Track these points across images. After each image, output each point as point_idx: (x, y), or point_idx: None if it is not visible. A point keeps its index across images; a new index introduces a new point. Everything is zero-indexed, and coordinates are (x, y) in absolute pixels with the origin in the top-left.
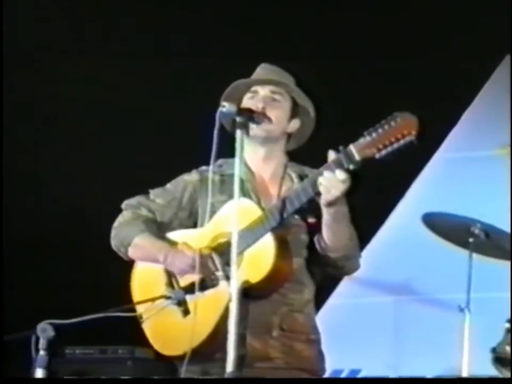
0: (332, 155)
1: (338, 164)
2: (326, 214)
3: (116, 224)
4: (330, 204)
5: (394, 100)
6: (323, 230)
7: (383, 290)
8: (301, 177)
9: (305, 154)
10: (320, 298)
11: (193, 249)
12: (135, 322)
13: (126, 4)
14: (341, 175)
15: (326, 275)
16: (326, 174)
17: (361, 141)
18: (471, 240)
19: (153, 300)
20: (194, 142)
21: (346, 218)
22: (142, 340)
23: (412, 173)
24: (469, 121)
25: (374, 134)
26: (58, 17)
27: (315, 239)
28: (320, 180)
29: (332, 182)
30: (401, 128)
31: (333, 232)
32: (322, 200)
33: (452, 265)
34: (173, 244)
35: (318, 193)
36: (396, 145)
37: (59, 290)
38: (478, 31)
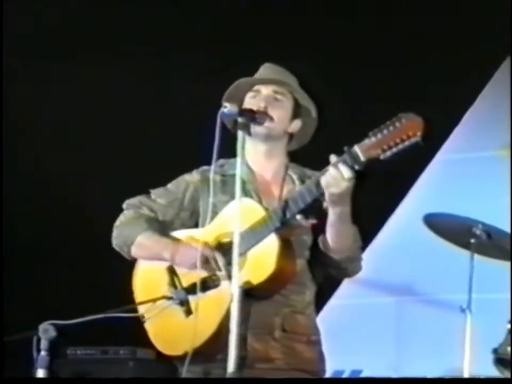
0: (333, 159)
1: (344, 164)
2: (331, 214)
3: (117, 223)
4: (334, 202)
5: (396, 101)
6: (327, 231)
7: (385, 291)
8: (302, 179)
9: (308, 155)
10: (321, 299)
11: (200, 243)
12: (137, 323)
13: (126, 4)
14: (346, 171)
15: (328, 277)
16: (331, 170)
17: (366, 141)
18: (472, 241)
19: (154, 300)
20: (195, 142)
21: (351, 219)
22: (144, 341)
23: (413, 174)
24: (470, 123)
25: (379, 135)
26: (58, 17)
27: (319, 239)
28: (325, 176)
29: (336, 178)
30: (406, 129)
31: (337, 233)
32: (327, 197)
33: (453, 266)
34: (177, 240)
35: (323, 194)
36: (400, 146)
37: (61, 291)
38: (479, 32)
